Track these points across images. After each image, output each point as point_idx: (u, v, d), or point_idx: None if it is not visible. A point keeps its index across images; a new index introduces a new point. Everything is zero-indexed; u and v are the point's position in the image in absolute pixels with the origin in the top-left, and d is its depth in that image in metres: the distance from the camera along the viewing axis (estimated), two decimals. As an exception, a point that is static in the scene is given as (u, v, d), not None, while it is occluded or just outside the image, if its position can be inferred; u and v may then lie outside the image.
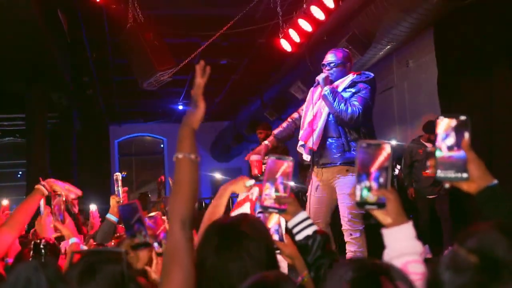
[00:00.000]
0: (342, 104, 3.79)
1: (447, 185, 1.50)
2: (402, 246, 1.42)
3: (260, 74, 8.95)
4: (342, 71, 4.03)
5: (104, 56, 8.56)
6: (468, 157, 1.43)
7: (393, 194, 1.45)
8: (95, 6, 6.11)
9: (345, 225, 3.82)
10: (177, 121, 13.28)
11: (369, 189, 1.46)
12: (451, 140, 1.44)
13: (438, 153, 1.45)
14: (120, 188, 3.38)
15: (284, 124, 4.35)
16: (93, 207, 4.27)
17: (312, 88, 4.14)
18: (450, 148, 1.44)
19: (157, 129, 14.15)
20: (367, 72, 4.06)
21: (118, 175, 3.45)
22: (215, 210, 2.12)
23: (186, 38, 7.43)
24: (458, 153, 1.44)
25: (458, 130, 1.44)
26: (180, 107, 12.04)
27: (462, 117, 1.44)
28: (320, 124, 3.92)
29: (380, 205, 1.46)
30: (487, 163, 1.47)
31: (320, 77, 3.96)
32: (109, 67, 9.12)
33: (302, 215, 1.79)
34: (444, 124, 1.44)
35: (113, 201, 3.40)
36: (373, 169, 1.46)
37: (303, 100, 7.80)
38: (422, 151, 6.01)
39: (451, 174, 1.45)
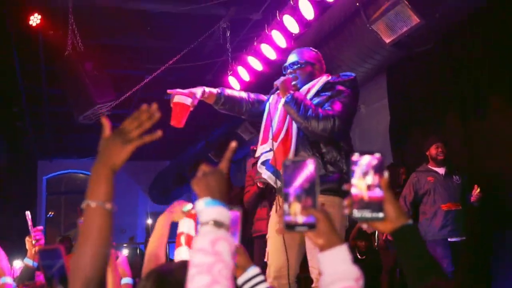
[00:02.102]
0: (310, 112, 3.06)
1: (364, 225, 1.53)
2: (336, 270, 1.38)
3: (206, 112, 8.96)
4: (310, 74, 3.34)
5: (37, 85, 8.37)
6: (385, 196, 1.46)
7: (323, 213, 1.44)
8: (31, 30, 6.01)
9: (315, 282, 3.06)
10: (114, 158, 13.07)
11: (297, 209, 1.43)
12: (368, 178, 1.48)
13: (354, 192, 1.48)
14: (31, 228, 3.24)
15: (237, 94, 3.54)
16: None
17: (269, 96, 3.40)
18: (367, 187, 1.47)
19: (91, 166, 13.83)
20: (347, 73, 3.37)
21: (28, 214, 3.31)
22: (154, 248, 2.05)
23: (129, 70, 7.40)
24: (375, 192, 1.47)
25: (375, 168, 1.48)
26: (118, 144, 11.86)
27: (377, 155, 1.47)
28: (293, 142, 3.18)
29: (310, 226, 1.43)
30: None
31: (278, 81, 3.27)
32: (42, 97, 8.92)
33: (253, 270, 1.74)
34: (360, 163, 1.48)
35: (28, 243, 3.23)
36: (300, 188, 1.45)
37: (250, 142, 7.92)
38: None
39: (367, 213, 1.47)
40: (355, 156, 1.47)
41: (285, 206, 1.44)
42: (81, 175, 14.41)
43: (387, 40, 4.32)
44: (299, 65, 3.35)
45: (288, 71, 3.40)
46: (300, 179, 1.45)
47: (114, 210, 1.42)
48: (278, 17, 5.31)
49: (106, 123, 1.52)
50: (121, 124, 1.50)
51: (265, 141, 3.29)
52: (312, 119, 3.04)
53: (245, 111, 3.51)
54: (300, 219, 1.43)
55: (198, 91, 3.38)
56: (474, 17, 4.30)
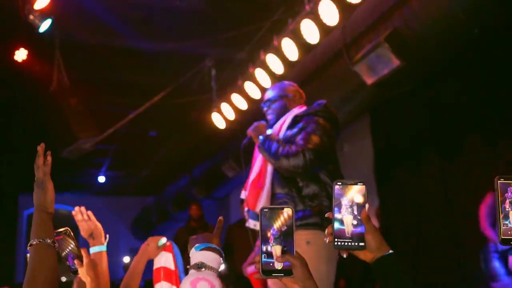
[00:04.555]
0: (280, 151, 3.03)
1: (344, 254, 1.55)
2: None
3: (190, 149, 8.98)
4: (284, 107, 3.37)
5: (20, 119, 8.34)
6: (366, 228, 1.50)
7: (299, 259, 1.48)
8: (15, 65, 6.02)
9: None
10: (97, 193, 12.94)
11: (274, 256, 1.48)
12: (348, 209, 1.50)
13: (346, 223, 1.50)
14: None
15: None
16: None
17: (244, 144, 3.49)
18: (348, 217, 1.50)
19: (74, 201, 13.68)
20: (318, 101, 3.33)
21: None
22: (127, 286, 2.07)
23: (113, 106, 7.41)
24: (357, 223, 1.50)
25: (357, 198, 1.50)
26: (101, 179, 11.79)
27: (360, 184, 1.50)
28: (267, 181, 3.19)
29: (287, 272, 1.47)
30: (414, 252, 1.55)
31: (251, 129, 3.34)
32: (25, 131, 8.88)
33: None
34: (341, 192, 1.50)
35: None
36: (276, 234, 1.48)
37: (234, 179, 7.91)
38: None
39: (348, 243, 1.50)
40: (337, 186, 1.50)
41: (262, 252, 1.48)
42: (62, 210, 14.24)
43: (369, 81, 4.40)
44: (271, 102, 3.43)
45: (264, 109, 3.49)
46: (277, 226, 1.49)
47: (56, 246, 1.64)
48: (262, 57, 5.39)
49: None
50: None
51: (245, 187, 3.36)
52: (282, 158, 3.03)
53: None
54: (278, 265, 1.47)
55: None
56: (453, 60, 4.40)
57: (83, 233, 2.60)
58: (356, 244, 1.50)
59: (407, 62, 4.05)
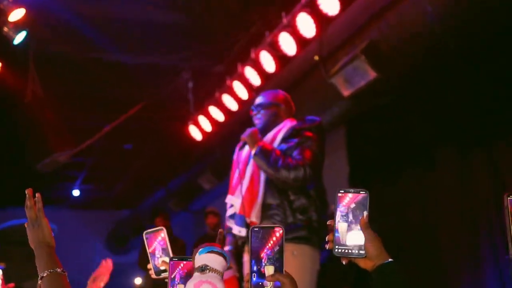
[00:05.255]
0: (280, 163, 3.04)
1: (344, 262, 1.56)
2: None
3: (166, 161, 8.92)
4: (274, 115, 3.36)
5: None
6: (365, 235, 1.51)
7: (288, 278, 1.48)
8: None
9: None
10: (72, 207, 12.74)
11: (263, 275, 1.48)
12: (349, 219, 1.51)
13: (340, 230, 1.51)
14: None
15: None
16: None
17: (237, 148, 3.44)
18: (349, 226, 1.51)
19: (47, 215, 13.45)
20: (311, 117, 3.40)
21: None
22: None
23: (88, 119, 7.33)
24: (356, 231, 1.50)
25: (358, 207, 1.51)
26: (76, 193, 11.61)
27: (362, 192, 1.51)
28: (260, 189, 3.17)
29: None
30: (395, 259, 1.55)
31: (246, 134, 3.27)
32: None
33: None
34: (344, 201, 1.51)
35: None
36: (267, 253, 1.49)
37: (211, 192, 7.87)
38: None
39: (348, 250, 1.52)
40: (339, 194, 1.50)
41: (252, 272, 1.49)
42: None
43: (346, 93, 4.43)
44: (262, 107, 3.40)
45: (253, 113, 3.44)
46: (270, 246, 1.50)
47: (65, 273, 1.74)
48: (239, 69, 5.40)
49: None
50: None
51: (232, 192, 3.31)
52: (283, 169, 3.03)
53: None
54: (267, 284, 1.48)
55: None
56: (429, 73, 4.46)
57: (93, 274, 2.65)
58: (357, 252, 1.51)
59: (383, 74, 4.09)
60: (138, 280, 9.31)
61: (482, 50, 4.19)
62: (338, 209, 1.52)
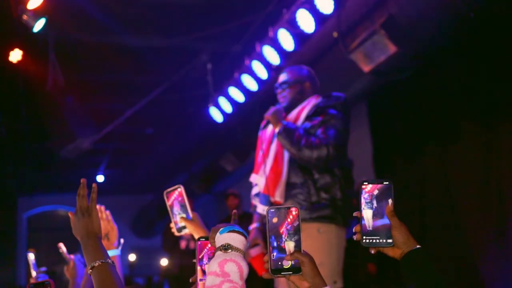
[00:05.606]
0: (303, 142, 3.01)
1: (372, 251, 1.57)
2: None
3: (188, 144, 8.97)
4: (300, 92, 3.33)
5: (17, 120, 8.31)
6: (392, 223, 1.53)
7: (307, 257, 1.50)
8: (10, 66, 6.00)
9: None
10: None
11: (284, 250, 1.50)
12: (374, 207, 1.52)
13: (366, 217, 1.51)
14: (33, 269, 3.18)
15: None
16: None
17: (261, 127, 3.44)
18: (374, 214, 1.51)
19: (73, 201, 13.59)
20: (336, 93, 3.33)
21: (31, 255, 3.24)
22: None
23: (110, 105, 7.39)
24: (382, 220, 1.50)
25: (382, 196, 1.51)
26: (100, 179, 11.76)
27: (386, 183, 1.52)
28: (284, 168, 3.16)
29: (296, 270, 1.50)
30: (419, 238, 1.56)
31: (269, 113, 3.23)
32: (22, 132, 8.85)
33: None
34: (368, 190, 1.52)
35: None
36: (284, 233, 1.51)
37: (234, 173, 7.90)
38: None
39: (376, 240, 1.53)
40: (363, 186, 1.52)
41: (274, 248, 1.51)
42: (62, 211, 14.22)
43: (366, 69, 4.39)
44: (288, 85, 3.35)
45: (278, 91, 3.40)
46: (289, 223, 1.51)
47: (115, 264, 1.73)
48: (257, 49, 5.38)
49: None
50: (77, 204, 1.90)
51: (256, 171, 3.31)
52: (306, 149, 3.00)
53: None
54: (286, 263, 1.50)
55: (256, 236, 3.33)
56: (449, 46, 4.39)
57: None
58: (384, 241, 1.53)
59: (403, 48, 4.05)
60: (164, 261, 9.44)
61: (503, 21, 4.11)
62: (362, 196, 1.53)
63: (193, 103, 7.37)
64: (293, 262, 1.50)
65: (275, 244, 1.50)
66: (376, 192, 1.53)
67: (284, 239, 1.50)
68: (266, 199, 3.25)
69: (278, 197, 3.14)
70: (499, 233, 4.48)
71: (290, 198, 3.14)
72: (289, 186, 3.17)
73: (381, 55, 4.16)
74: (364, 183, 1.54)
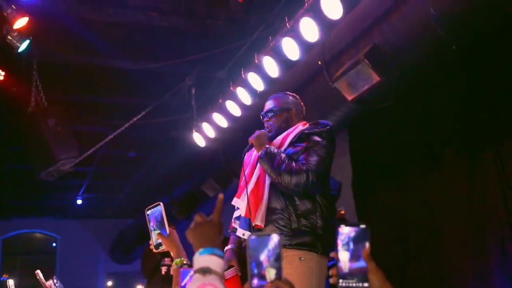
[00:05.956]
0: (283, 167, 2.98)
1: None
2: None
3: (170, 169, 8.95)
4: (286, 120, 3.33)
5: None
6: (368, 267, 1.53)
7: (288, 284, 1.49)
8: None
9: None
10: (75, 217, 12.75)
11: (264, 277, 1.49)
12: (352, 249, 1.54)
13: (339, 264, 1.53)
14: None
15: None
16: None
17: (245, 152, 3.38)
18: (351, 258, 1.53)
19: (50, 225, 13.48)
20: (323, 121, 3.32)
21: (39, 272, 3.18)
22: None
23: (93, 127, 7.36)
24: (359, 262, 1.53)
25: (359, 239, 1.54)
26: (79, 202, 11.64)
27: (362, 226, 1.54)
28: (265, 193, 3.12)
29: None
30: (402, 264, 1.57)
31: (253, 137, 3.22)
32: (2, 154, 8.76)
33: None
34: (345, 232, 1.54)
35: None
36: (265, 260, 1.50)
37: (215, 199, 7.85)
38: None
39: (352, 283, 1.54)
40: (340, 228, 1.54)
41: (254, 275, 1.49)
42: (37, 234, 14.00)
43: (349, 98, 4.44)
44: (273, 113, 3.34)
45: (264, 119, 3.39)
46: (270, 250, 1.51)
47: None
48: (243, 75, 5.42)
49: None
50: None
51: (239, 195, 3.27)
52: (285, 174, 2.98)
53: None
54: None
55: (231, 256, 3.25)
56: (431, 76, 4.48)
57: None
58: (360, 284, 1.53)
59: (386, 78, 4.11)
60: (109, 283, 9.28)
61: (484, 52, 4.21)
62: (339, 238, 1.55)
63: (176, 127, 7.37)
64: None
65: (255, 271, 1.50)
66: (352, 234, 1.55)
67: (264, 266, 1.50)
68: (247, 223, 3.20)
69: (258, 221, 3.09)
70: (480, 253, 4.53)
71: (270, 223, 3.09)
72: (270, 211, 3.12)
73: (365, 84, 4.21)
74: (341, 226, 1.56)
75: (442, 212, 5.05)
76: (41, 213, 12.96)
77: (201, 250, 1.53)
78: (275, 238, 1.51)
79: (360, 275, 1.53)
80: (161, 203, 2.43)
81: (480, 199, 4.58)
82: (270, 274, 1.49)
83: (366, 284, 1.53)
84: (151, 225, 2.45)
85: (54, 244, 13.93)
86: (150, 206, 2.45)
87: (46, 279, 3.13)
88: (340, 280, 1.53)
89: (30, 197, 11.90)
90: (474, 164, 4.68)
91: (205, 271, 1.46)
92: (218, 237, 1.62)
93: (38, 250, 14.25)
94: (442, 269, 4.93)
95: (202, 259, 1.51)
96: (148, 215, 2.46)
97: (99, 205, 12.14)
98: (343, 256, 1.53)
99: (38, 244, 14.26)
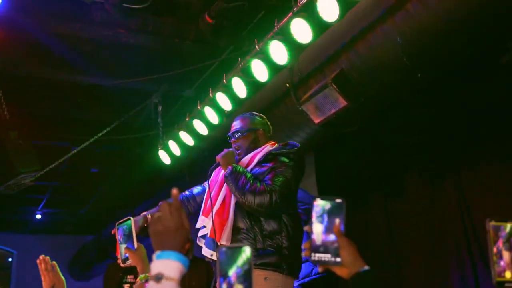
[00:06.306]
0: (248, 187, 2.99)
1: (320, 269, 1.57)
2: None
3: (133, 186, 8.84)
4: (253, 141, 3.36)
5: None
6: (340, 242, 1.53)
7: None
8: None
9: None
10: (33, 232, 12.43)
11: None
12: (325, 223, 1.52)
13: (313, 236, 1.52)
14: None
15: None
16: None
17: (212, 170, 3.38)
18: (325, 230, 1.52)
19: (6, 240, 13.10)
20: (292, 142, 3.38)
21: None
22: None
23: (56, 141, 7.24)
24: (332, 237, 1.51)
25: (333, 213, 1.53)
26: (38, 216, 11.37)
27: (338, 200, 1.53)
28: (230, 213, 3.13)
29: None
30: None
31: (220, 155, 3.24)
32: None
33: None
34: (319, 207, 1.53)
35: None
36: (236, 272, 1.47)
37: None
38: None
39: (325, 258, 1.53)
40: (315, 202, 1.52)
41: None
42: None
43: (316, 121, 4.48)
44: (240, 134, 3.38)
45: (232, 140, 3.41)
46: (239, 265, 1.48)
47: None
48: (210, 94, 5.43)
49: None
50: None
51: (205, 214, 3.24)
52: (249, 193, 2.98)
53: (192, 211, 3.49)
54: None
55: (139, 220, 3.23)
56: (397, 102, 4.56)
57: (45, 284, 2.53)
58: (333, 259, 1.51)
59: (353, 103, 4.17)
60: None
61: (449, 81, 4.32)
62: (314, 210, 1.54)
63: (141, 144, 7.31)
64: None
65: (223, 286, 1.48)
66: (327, 207, 1.54)
67: (233, 282, 1.48)
68: (213, 243, 3.19)
69: (224, 240, 3.07)
70: (441, 279, 4.59)
71: (235, 243, 3.07)
72: (236, 230, 3.13)
73: (332, 108, 4.26)
74: (316, 198, 1.55)
75: (403, 236, 5.12)
76: (-1, 228, 12.60)
77: (158, 253, 1.49)
78: (247, 250, 1.48)
79: (333, 249, 1.53)
80: (132, 218, 2.43)
81: (440, 226, 4.67)
82: None
83: (338, 259, 1.53)
84: (120, 239, 2.43)
85: (9, 259, 13.53)
86: (121, 221, 2.45)
87: None
88: (313, 253, 1.52)
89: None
90: (435, 191, 4.78)
91: (159, 278, 1.43)
92: (182, 238, 1.54)
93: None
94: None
95: (157, 264, 1.47)
96: (118, 229, 2.45)
97: (58, 220, 11.89)
98: (317, 229, 1.53)
99: (-5, 258, 13.85)
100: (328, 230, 1.54)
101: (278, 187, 3.02)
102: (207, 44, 5.35)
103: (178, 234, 1.54)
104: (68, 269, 12.53)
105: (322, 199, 1.55)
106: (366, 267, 1.55)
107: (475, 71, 4.21)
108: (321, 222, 1.54)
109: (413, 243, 4.97)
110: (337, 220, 1.54)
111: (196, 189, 3.62)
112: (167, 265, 1.46)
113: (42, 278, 2.57)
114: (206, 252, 3.20)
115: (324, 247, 1.54)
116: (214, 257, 3.14)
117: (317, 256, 1.53)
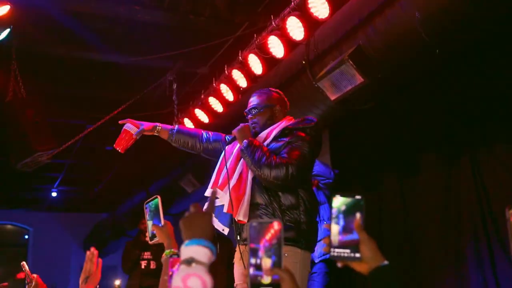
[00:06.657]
0: (264, 160, 2.98)
1: (339, 265, 1.58)
2: None
3: (148, 163, 8.88)
4: (270, 117, 3.35)
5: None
6: (360, 238, 1.54)
7: (288, 273, 1.50)
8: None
9: None
10: (48, 209, 12.58)
11: (262, 269, 1.50)
12: (343, 222, 1.55)
13: (332, 232, 1.53)
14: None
15: (193, 131, 3.63)
16: None
17: (227, 145, 3.36)
18: (343, 228, 1.54)
19: (22, 217, 13.28)
20: (309, 117, 3.32)
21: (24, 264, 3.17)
22: None
23: (71, 119, 7.28)
24: (352, 234, 1.53)
25: (352, 210, 1.54)
26: (54, 194, 11.49)
27: (357, 197, 1.54)
28: (247, 188, 3.11)
29: (275, 286, 1.50)
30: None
31: (236, 129, 3.23)
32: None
33: None
34: (338, 203, 1.54)
35: None
36: (264, 246, 1.51)
37: (192, 195, 7.83)
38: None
39: (344, 253, 1.54)
40: (335, 198, 1.54)
41: (251, 265, 1.50)
42: (9, 226, 13.79)
43: (332, 98, 4.46)
44: (257, 110, 3.36)
45: (249, 117, 3.40)
46: (268, 239, 1.51)
47: None
48: (226, 71, 5.41)
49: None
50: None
51: (215, 184, 3.23)
52: (265, 167, 2.98)
53: (200, 149, 3.59)
54: (266, 278, 1.50)
55: (149, 125, 3.50)
56: (415, 78, 4.53)
57: (83, 273, 2.62)
58: (352, 255, 1.53)
59: (370, 79, 4.14)
60: (117, 281, 9.26)
61: (467, 57, 4.27)
62: (332, 210, 1.55)
63: (156, 121, 7.31)
64: (272, 278, 1.49)
65: (252, 259, 1.51)
66: (344, 206, 1.55)
67: (261, 256, 1.50)
68: (227, 218, 3.18)
69: (241, 216, 3.07)
70: (457, 258, 4.60)
71: (254, 218, 3.03)
72: (254, 206, 3.11)
73: (348, 85, 4.23)
74: (336, 196, 1.56)
75: (417, 215, 5.12)
76: (12, 205, 12.76)
77: (187, 241, 1.54)
78: (276, 225, 1.51)
79: (352, 246, 1.54)
80: (159, 197, 2.50)
81: (456, 205, 4.66)
82: (266, 264, 1.49)
83: (358, 255, 1.53)
84: (147, 216, 2.53)
85: (26, 236, 13.74)
86: (149, 200, 2.55)
87: (20, 271, 3.13)
88: (332, 249, 1.54)
89: (3, 188, 11.71)
90: (450, 170, 4.76)
91: (189, 261, 1.47)
92: (209, 229, 1.62)
93: (9, 243, 14.03)
94: (417, 271, 4.99)
95: (187, 250, 1.51)
96: (146, 207, 2.54)
97: (74, 198, 12.01)
98: (333, 229, 1.54)
99: (9, 236, 14.05)
100: (346, 229, 1.55)
101: (294, 160, 3.00)
102: (222, 20, 5.32)
103: (208, 227, 1.62)
104: (83, 247, 12.70)
105: (342, 195, 1.56)
106: (386, 262, 1.55)
107: (495, 49, 4.16)
108: (337, 223, 1.55)
109: (428, 224, 4.97)
110: (357, 215, 1.55)
111: (216, 137, 3.64)
112: (198, 250, 1.50)
113: (84, 265, 2.69)
114: (218, 225, 3.18)
115: (344, 243, 1.55)
116: (225, 232, 3.17)
117: (336, 251, 1.54)
